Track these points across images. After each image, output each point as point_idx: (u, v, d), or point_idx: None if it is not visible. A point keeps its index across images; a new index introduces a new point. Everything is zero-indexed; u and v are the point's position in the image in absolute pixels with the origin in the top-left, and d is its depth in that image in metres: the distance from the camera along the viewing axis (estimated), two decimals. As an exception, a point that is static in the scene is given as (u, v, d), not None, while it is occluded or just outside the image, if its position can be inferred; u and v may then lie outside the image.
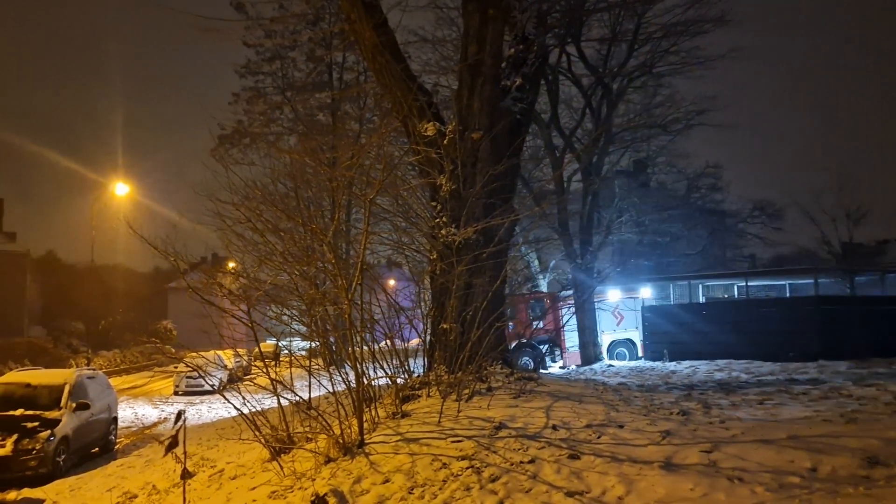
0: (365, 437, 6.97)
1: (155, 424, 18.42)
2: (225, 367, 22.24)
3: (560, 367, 22.70)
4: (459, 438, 6.48)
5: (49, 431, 11.82)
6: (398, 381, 8.87)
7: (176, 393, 25.33)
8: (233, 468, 8.29)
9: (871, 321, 19.53)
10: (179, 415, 7.05)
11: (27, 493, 10.51)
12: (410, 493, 5.52)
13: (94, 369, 19.78)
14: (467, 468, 5.73)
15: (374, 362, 8.65)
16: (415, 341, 11.17)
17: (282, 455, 7.38)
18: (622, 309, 24.53)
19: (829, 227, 39.20)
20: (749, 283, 27.42)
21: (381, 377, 8.82)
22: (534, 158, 25.30)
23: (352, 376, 7.40)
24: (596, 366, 21.77)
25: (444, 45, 19.24)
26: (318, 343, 9.57)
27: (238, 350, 10.66)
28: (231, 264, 13.49)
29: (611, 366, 21.54)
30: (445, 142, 10.58)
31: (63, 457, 12.11)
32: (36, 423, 11.90)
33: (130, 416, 19.59)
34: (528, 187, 24.26)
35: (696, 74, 23.59)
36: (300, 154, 11.75)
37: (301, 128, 26.81)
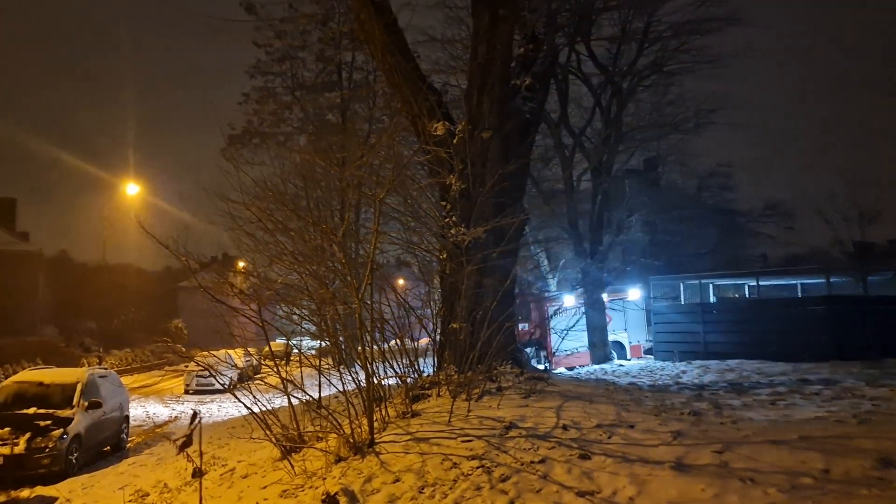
0: (375, 436, 6.99)
1: (166, 423, 18.52)
2: (235, 366, 22.33)
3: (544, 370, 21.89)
4: (470, 438, 6.48)
5: (62, 430, 11.90)
6: (408, 380, 8.88)
7: (187, 392, 25.46)
8: (244, 467, 8.32)
9: (884, 321, 19.32)
10: (194, 416, 7.14)
11: (40, 490, 10.61)
12: (421, 492, 5.53)
13: (105, 368, 19.90)
14: (478, 468, 5.74)
15: (384, 362, 8.67)
16: (424, 340, 11.17)
17: (292, 454, 7.41)
18: (610, 310, 23.97)
19: (841, 226, 38.79)
20: (760, 283, 27.18)
21: (392, 377, 8.84)
22: (543, 158, 25.17)
23: (362, 376, 7.41)
24: (606, 365, 21.63)
25: (453, 44, 19.19)
26: (328, 342, 9.60)
27: (249, 349, 10.70)
28: (241, 263, 13.54)
29: (620, 366, 21.41)
30: (455, 141, 10.57)
31: (75, 455, 12.18)
32: (49, 422, 11.99)
33: (142, 415, 19.72)
34: (538, 187, 24.19)
35: (708, 73, 23.44)
36: (310, 154, 11.80)
37: (311, 128, 26.89)
